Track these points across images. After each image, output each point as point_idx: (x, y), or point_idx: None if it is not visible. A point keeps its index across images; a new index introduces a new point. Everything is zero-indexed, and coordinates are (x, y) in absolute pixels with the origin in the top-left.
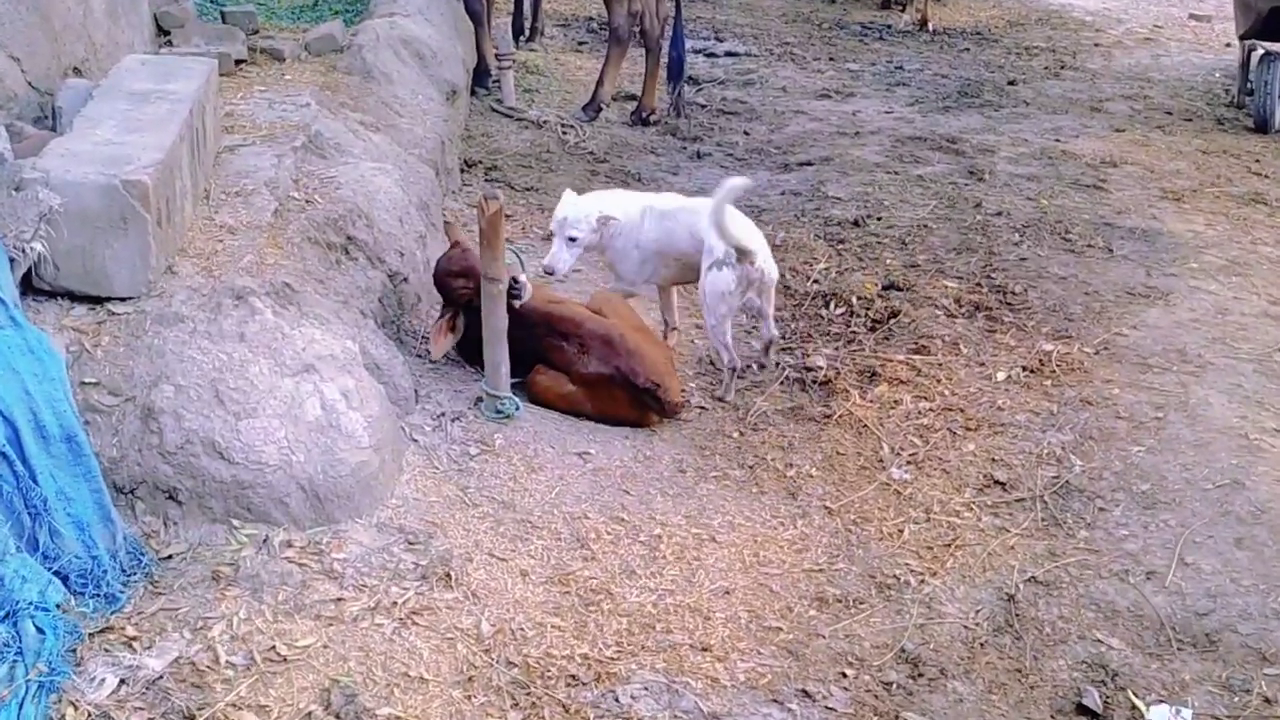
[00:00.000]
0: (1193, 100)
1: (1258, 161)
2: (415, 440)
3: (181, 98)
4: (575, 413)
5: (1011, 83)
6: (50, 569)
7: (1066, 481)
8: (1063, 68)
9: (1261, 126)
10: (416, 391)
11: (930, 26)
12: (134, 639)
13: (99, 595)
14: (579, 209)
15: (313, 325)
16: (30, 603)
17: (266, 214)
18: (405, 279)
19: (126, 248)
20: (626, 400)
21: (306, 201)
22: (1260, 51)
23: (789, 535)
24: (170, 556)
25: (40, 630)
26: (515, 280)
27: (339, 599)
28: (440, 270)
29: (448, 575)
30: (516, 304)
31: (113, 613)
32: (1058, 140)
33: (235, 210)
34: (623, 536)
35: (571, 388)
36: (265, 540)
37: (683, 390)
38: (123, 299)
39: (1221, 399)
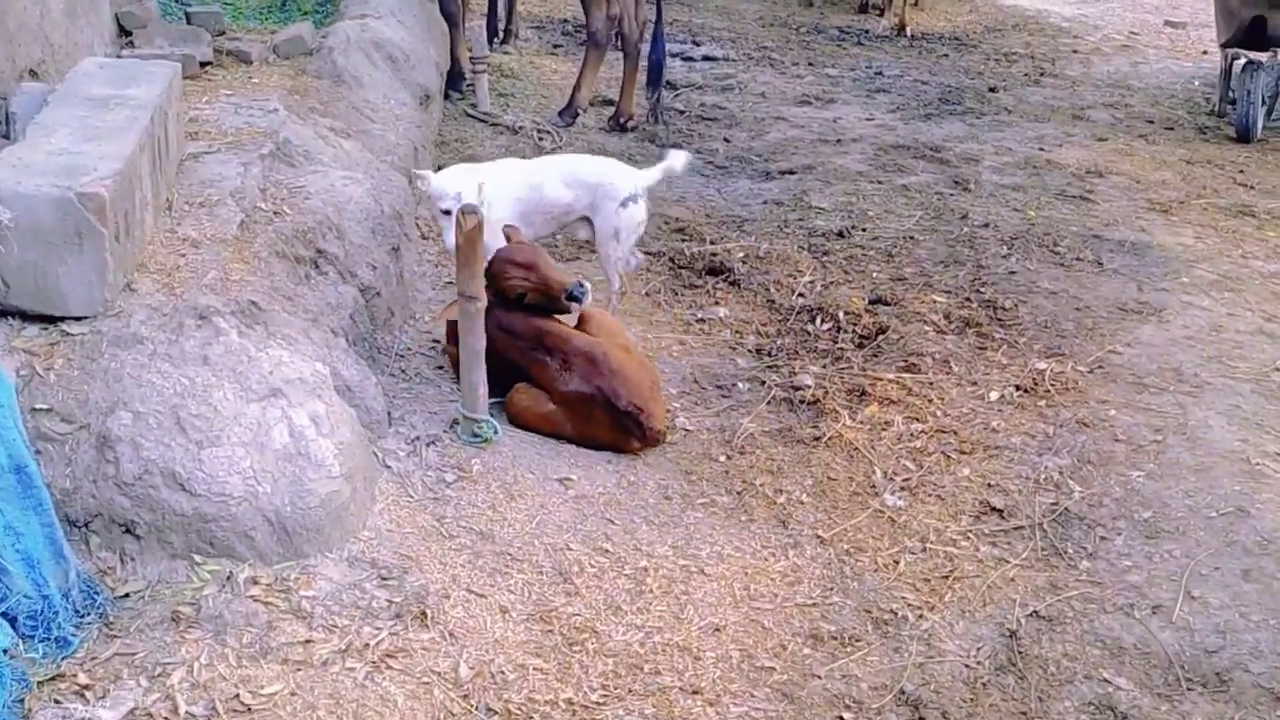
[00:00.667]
0: (1173, 108)
1: (1242, 172)
2: (389, 466)
3: (142, 104)
4: (555, 435)
5: (992, 89)
6: None
7: (1066, 509)
8: (1043, 74)
9: (1244, 136)
10: (390, 414)
11: (909, 32)
12: (86, 687)
13: (49, 639)
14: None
15: (280, 346)
16: None
17: (232, 226)
18: (378, 293)
19: (82, 264)
20: (607, 423)
21: (274, 213)
22: (1243, 60)
23: (780, 567)
24: (127, 595)
25: None
26: (581, 284)
27: (308, 641)
28: (501, 255)
29: (423, 614)
30: (577, 307)
31: (64, 658)
32: (1041, 149)
33: (199, 222)
34: (607, 569)
35: (551, 407)
36: (229, 577)
37: (668, 413)
38: (78, 319)
39: (1221, 421)
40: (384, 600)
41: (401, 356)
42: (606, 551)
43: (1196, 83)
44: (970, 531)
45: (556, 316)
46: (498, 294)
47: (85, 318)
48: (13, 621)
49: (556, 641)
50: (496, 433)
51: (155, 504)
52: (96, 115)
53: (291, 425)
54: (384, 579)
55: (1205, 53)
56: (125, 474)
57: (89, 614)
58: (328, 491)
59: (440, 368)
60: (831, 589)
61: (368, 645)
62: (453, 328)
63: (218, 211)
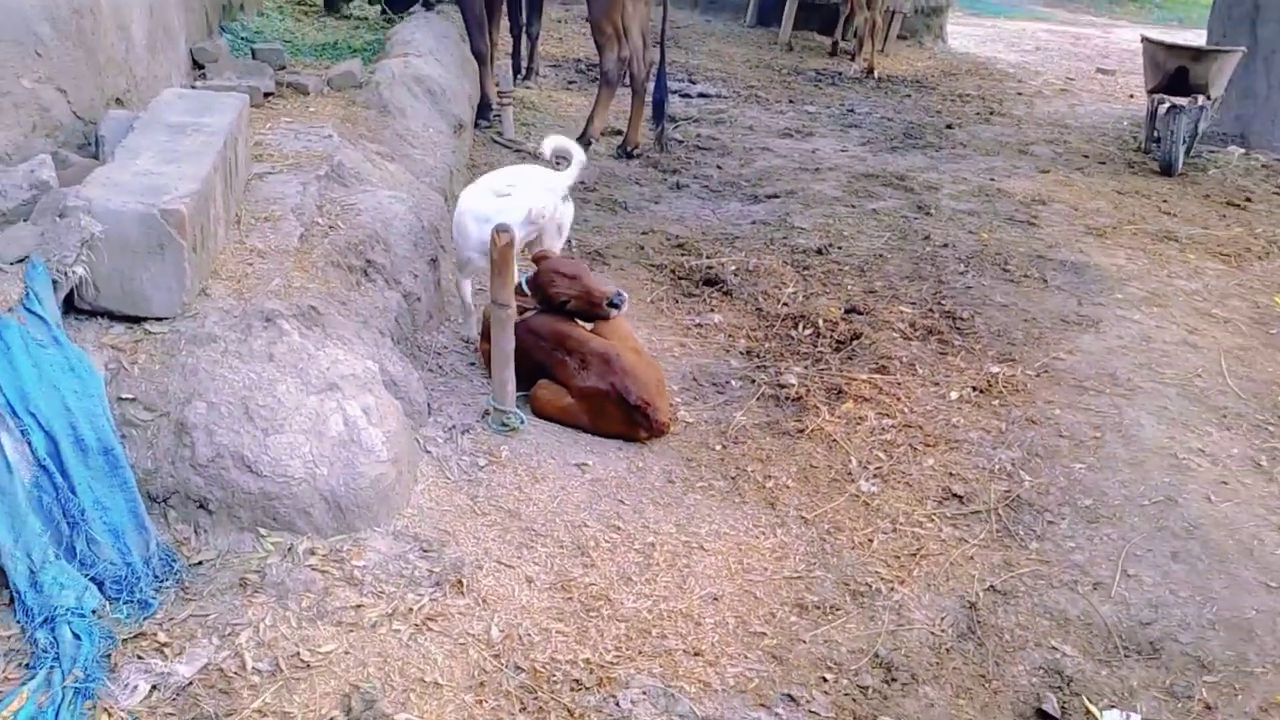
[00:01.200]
0: (1106, 145)
1: (1165, 202)
2: (429, 452)
3: (216, 130)
4: (573, 425)
5: (949, 126)
6: (87, 575)
7: (1017, 496)
8: (992, 114)
9: (1167, 170)
10: (429, 405)
11: (876, 75)
12: (165, 645)
13: (133, 601)
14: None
15: (336, 346)
16: (68, 609)
17: (293, 239)
18: (419, 299)
19: (163, 272)
20: (619, 416)
21: (330, 227)
22: (1167, 105)
23: (770, 544)
24: (200, 563)
25: (77, 636)
26: (620, 294)
27: (359, 605)
28: (549, 266)
29: (459, 582)
30: (616, 313)
31: (145, 619)
32: (992, 179)
33: (264, 235)
34: (619, 544)
35: (570, 401)
36: (290, 549)
37: (672, 407)
38: (159, 319)
39: (1151, 420)
40: (425, 570)
41: (439, 354)
42: (618, 529)
43: (1125, 123)
44: (935, 515)
45: (577, 321)
46: (544, 300)
47: (165, 318)
48: (100, 585)
49: (575, 608)
50: (522, 423)
51: (226, 483)
52: (175, 140)
53: (346, 416)
54: (425, 551)
55: (1132, 97)
56: (200, 457)
57: (167, 579)
58: (376, 474)
59: (472, 364)
60: (814, 564)
61: (411, 610)
62: (487, 329)
63: (280, 226)
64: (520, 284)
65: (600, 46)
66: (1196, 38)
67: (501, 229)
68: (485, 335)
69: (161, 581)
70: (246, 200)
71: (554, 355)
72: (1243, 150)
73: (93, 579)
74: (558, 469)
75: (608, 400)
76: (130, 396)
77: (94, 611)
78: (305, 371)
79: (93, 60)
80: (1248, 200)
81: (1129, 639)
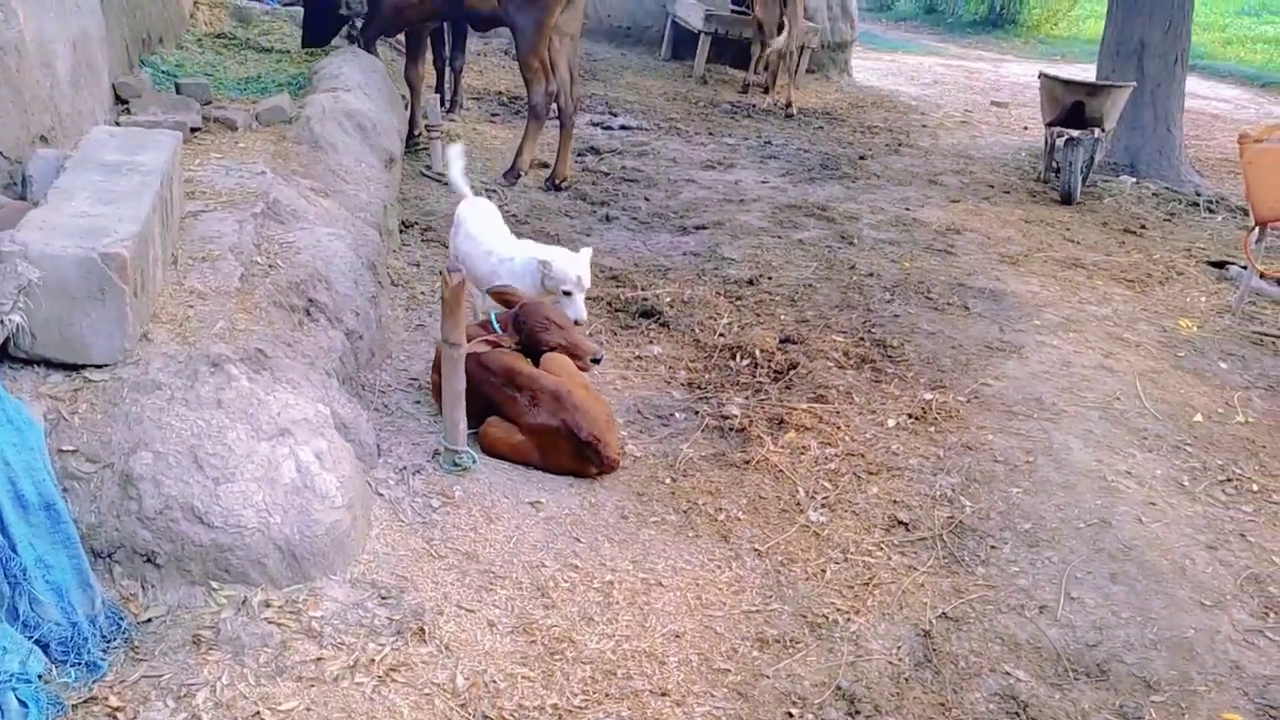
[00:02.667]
0: (1008, 175)
1: (1068, 230)
2: (381, 495)
3: (151, 169)
4: (524, 462)
5: (862, 158)
6: (30, 638)
7: (960, 521)
8: (900, 145)
9: (1066, 199)
10: (379, 446)
11: (794, 109)
12: (118, 710)
13: (80, 664)
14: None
15: (286, 390)
16: (12, 674)
17: (234, 279)
18: (361, 336)
19: (104, 317)
20: (570, 452)
21: (270, 266)
22: (1065, 137)
23: (726, 578)
24: (149, 620)
25: (23, 703)
26: (600, 352)
27: (319, 658)
28: (541, 311)
29: (421, 629)
30: (595, 368)
31: (95, 681)
32: (908, 209)
33: (203, 275)
34: (578, 584)
35: (521, 438)
36: (244, 601)
37: (621, 441)
38: (99, 366)
39: (1079, 444)
40: (385, 618)
41: (383, 393)
42: (576, 567)
43: (1024, 154)
44: (883, 543)
45: (517, 356)
46: (527, 341)
47: (107, 365)
48: (45, 648)
49: (539, 651)
50: (474, 462)
51: (175, 536)
52: (111, 180)
53: (298, 461)
54: (384, 598)
55: (1026, 128)
56: (147, 509)
57: (115, 639)
58: (332, 520)
59: (418, 402)
60: (771, 596)
61: (373, 660)
62: (438, 360)
63: (219, 266)
64: (491, 319)
65: (528, 81)
66: (1082, 72)
67: (452, 269)
68: (436, 367)
69: (109, 641)
70: (183, 240)
71: (504, 392)
72: (1134, 179)
73: (37, 641)
74: (512, 508)
75: (559, 437)
76: (71, 448)
77: (40, 676)
78: (255, 417)
79: (18, 98)
80: (1143, 227)
81: (1077, 661)
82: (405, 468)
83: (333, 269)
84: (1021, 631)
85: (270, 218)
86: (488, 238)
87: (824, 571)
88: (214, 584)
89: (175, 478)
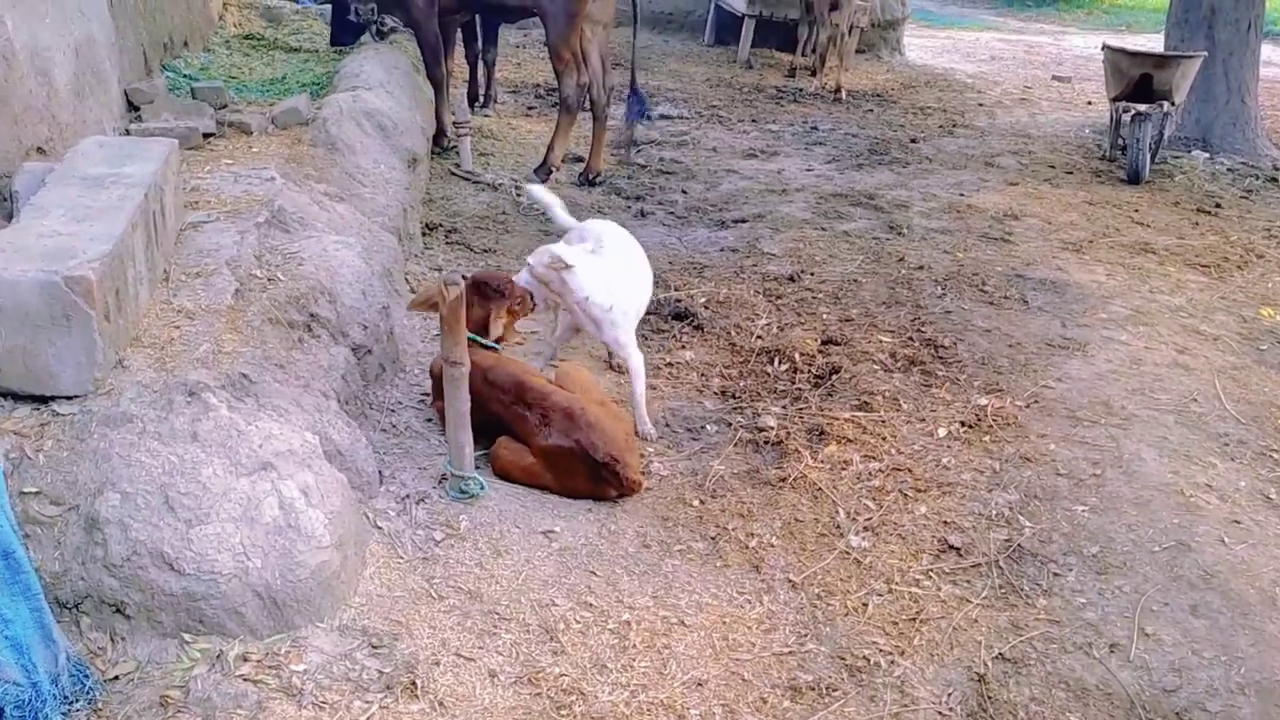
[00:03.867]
0: (1070, 155)
1: (1137, 211)
2: (379, 527)
3: (136, 181)
4: (537, 486)
5: (914, 140)
6: None
7: (1019, 545)
8: (955, 126)
9: (1134, 178)
10: (381, 473)
11: (844, 93)
12: None
13: None
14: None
15: (270, 419)
16: None
17: (227, 295)
18: (369, 351)
19: (71, 345)
20: (585, 474)
21: (269, 280)
22: (1132, 113)
23: (756, 613)
24: (117, 678)
25: None
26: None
27: None
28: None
29: (413, 684)
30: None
31: None
32: (962, 195)
33: (195, 293)
34: (591, 624)
35: (532, 460)
36: (219, 656)
37: (643, 457)
38: (69, 398)
39: (1152, 453)
40: (374, 670)
41: (392, 411)
42: (590, 605)
43: (1087, 131)
44: (931, 570)
45: (526, 369)
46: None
47: (76, 397)
48: (0, 713)
49: (544, 706)
50: (483, 488)
51: (144, 585)
52: (90, 195)
53: (281, 498)
54: (374, 647)
55: (1090, 103)
56: (113, 556)
57: (78, 700)
58: (318, 562)
59: (429, 420)
60: (806, 635)
61: None
62: (439, 383)
63: (213, 281)
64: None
65: (559, 73)
66: (1148, 42)
67: (450, 281)
68: (439, 392)
69: (71, 703)
70: (178, 254)
71: (513, 410)
72: (1206, 155)
73: None
74: (522, 539)
75: (574, 458)
76: (35, 490)
77: None
78: (235, 450)
79: (6, 109)
80: (1218, 206)
81: (1154, 710)
82: (408, 496)
83: (338, 280)
84: (1089, 675)
85: (275, 226)
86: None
87: (865, 605)
88: (187, 637)
89: (144, 520)
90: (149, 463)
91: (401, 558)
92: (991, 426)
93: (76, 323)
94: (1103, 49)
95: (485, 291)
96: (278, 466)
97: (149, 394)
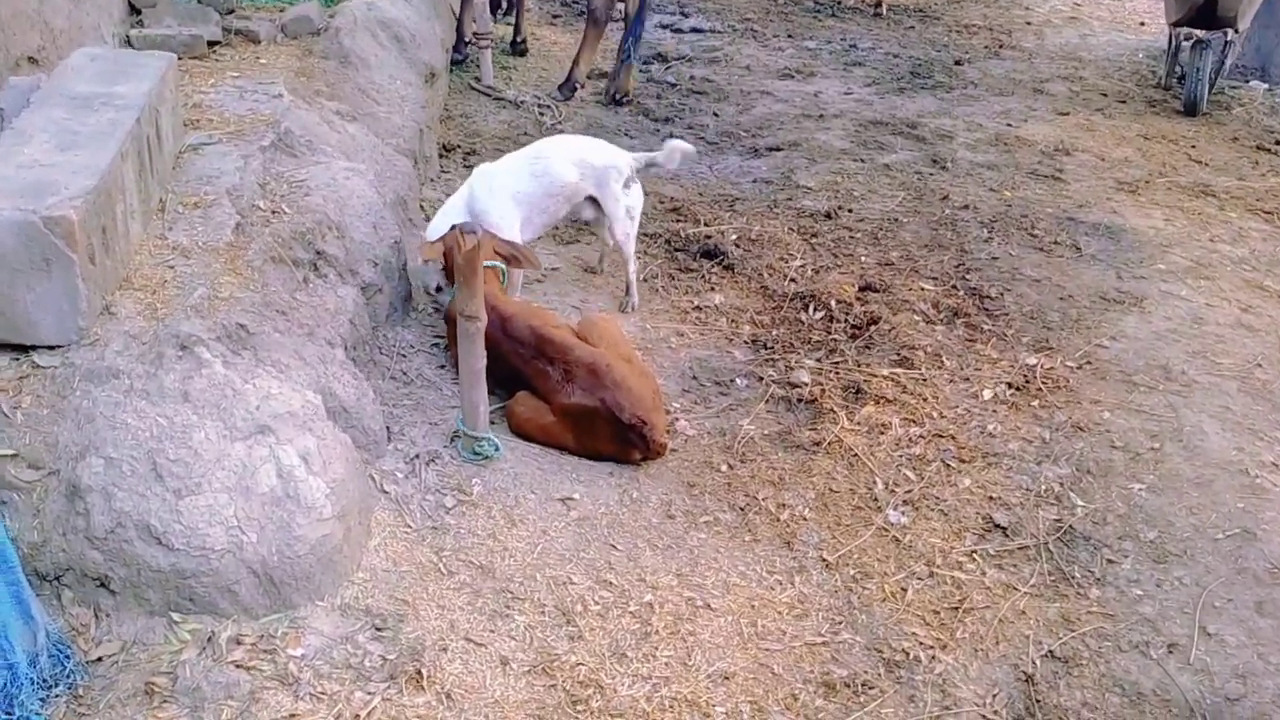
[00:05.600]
0: (1123, 81)
1: (1194, 148)
2: (386, 492)
3: (129, 103)
4: (555, 446)
5: (958, 63)
6: None
7: (1070, 526)
8: (1001, 47)
9: (1191, 110)
10: (389, 429)
11: (883, 7)
12: None
13: (13, 718)
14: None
15: (269, 375)
16: None
17: (226, 230)
18: (379, 290)
19: (51, 291)
20: (609, 435)
21: (272, 212)
22: (1193, 40)
23: (787, 597)
24: (100, 659)
25: None
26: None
27: (292, 715)
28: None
29: (419, 673)
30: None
31: None
32: (1009, 125)
33: (192, 226)
34: (611, 605)
35: (552, 419)
36: (210, 638)
37: (669, 413)
38: (50, 348)
39: (1215, 426)
40: (377, 656)
41: (403, 356)
42: (610, 584)
43: (1141, 55)
44: (975, 552)
45: (548, 320)
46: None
47: (58, 347)
48: None
49: (559, 699)
50: (497, 450)
51: (129, 559)
52: (78, 118)
53: (280, 465)
54: (378, 630)
55: (1143, 24)
56: (96, 527)
57: (57, 684)
58: (319, 536)
59: (442, 367)
60: (840, 623)
61: (358, 716)
62: (455, 329)
63: (212, 213)
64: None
65: None
66: None
67: (466, 229)
68: (454, 337)
69: (51, 688)
70: (175, 180)
71: (533, 364)
72: (1265, 86)
73: None
74: (538, 506)
75: (597, 418)
76: (11, 452)
77: None
78: (229, 412)
79: None
80: (1278, 144)
81: None
82: (418, 455)
83: (348, 212)
84: (1146, 678)
85: (281, 150)
86: None
87: (905, 590)
88: (176, 616)
89: (130, 489)
90: (136, 425)
91: (410, 526)
92: (1041, 389)
93: (57, 267)
94: None
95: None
96: (276, 430)
97: (137, 346)
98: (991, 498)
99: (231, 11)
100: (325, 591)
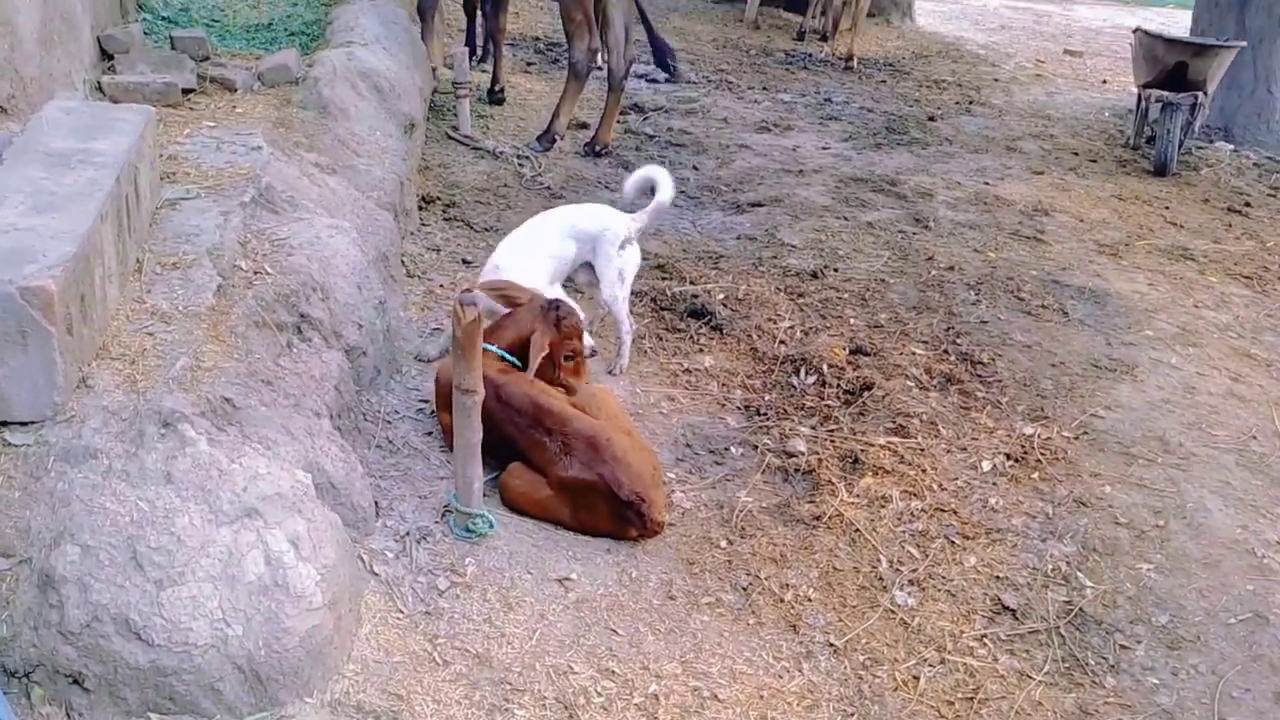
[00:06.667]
0: (1092, 140)
1: (1168, 209)
2: (375, 573)
3: (107, 161)
4: (549, 520)
5: (931, 118)
6: None
7: (1080, 609)
8: (971, 103)
9: (1161, 170)
10: (377, 503)
11: (854, 61)
12: None
13: None
14: None
15: (257, 453)
16: None
17: (207, 293)
18: (364, 353)
19: (27, 365)
20: (607, 512)
21: (254, 273)
22: (1162, 102)
23: (796, 686)
24: None
25: None
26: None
27: None
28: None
29: None
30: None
31: None
32: (987, 183)
33: (171, 289)
34: (615, 698)
35: (548, 493)
36: None
37: (665, 484)
38: (23, 425)
39: (1217, 502)
40: None
41: (388, 423)
42: (612, 673)
43: (1107, 114)
44: (987, 636)
45: (544, 389)
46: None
47: (32, 424)
48: None
49: None
50: (491, 527)
51: (106, 655)
52: (54, 177)
53: (268, 551)
54: None
55: (1105, 82)
56: (71, 621)
57: None
58: (308, 627)
59: (429, 433)
60: (853, 714)
61: None
62: (444, 392)
63: (192, 275)
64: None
65: (569, 35)
66: (1158, 19)
67: (466, 301)
68: (445, 404)
69: None
70: (153, 238)
71: (529, 434)
72: (1230, 147)
73: None
74: (535, 587)
75: (594, 494)
76: None
77: None
78: (215, 494)
79: None
80: (1247, 205)
81: None
82: (408, 533)
83: (332, 272)
84: None
85: (262, 206)
86: None
87: (917, 679)
88: (154, 717)
89: (107, 580)
90: (115, 509)
91: (402, 612)
92: (1040, 461)
93: (34, 340)
94: (1135, 33)
95: (544, 314)
96: (264, 513)
97: (117, 423)
98: (998, 577)
99: (207, 58)
100: (314, 687)
